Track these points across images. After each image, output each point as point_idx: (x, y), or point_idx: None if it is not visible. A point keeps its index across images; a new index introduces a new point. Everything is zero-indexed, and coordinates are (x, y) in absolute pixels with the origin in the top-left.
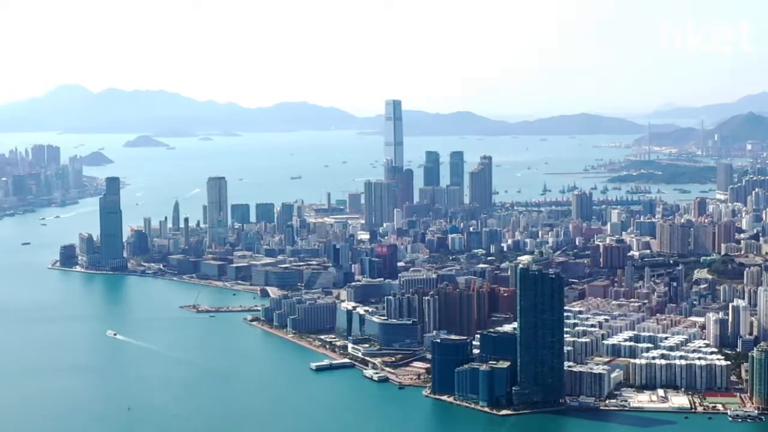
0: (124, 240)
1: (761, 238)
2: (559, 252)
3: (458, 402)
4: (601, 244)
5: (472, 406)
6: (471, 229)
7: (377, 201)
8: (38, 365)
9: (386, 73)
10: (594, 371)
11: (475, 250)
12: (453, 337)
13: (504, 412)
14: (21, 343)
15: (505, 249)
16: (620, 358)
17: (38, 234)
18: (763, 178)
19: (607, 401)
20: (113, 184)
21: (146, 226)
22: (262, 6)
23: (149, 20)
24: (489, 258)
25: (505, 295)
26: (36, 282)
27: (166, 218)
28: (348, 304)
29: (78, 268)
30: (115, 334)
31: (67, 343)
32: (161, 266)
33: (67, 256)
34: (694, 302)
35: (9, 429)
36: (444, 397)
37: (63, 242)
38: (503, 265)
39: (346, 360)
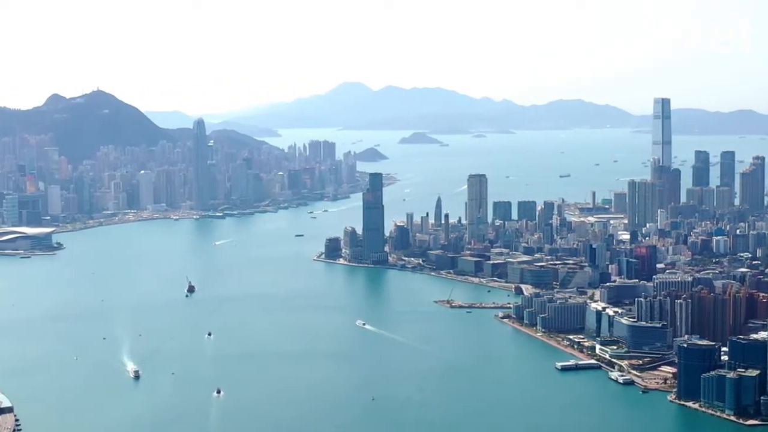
0: (386, 234)
1: None
2: None
3: (703, 409)
4: None
5: (718, 414)
6: (738, 231)
7: (641, 201)
8: (293, 351)
9: (661, 70)
10: None
11: (741, 254)
12: (701, 342)
13: (751, 422)
14: (282, 329)
15: None
16: None
17: (308, 227)
18: None
19: None
20: (376, 180)
21: (409, 222)
22: (541, 3)
23: (428, 19)
24: (754, 262)
25: (765, 301)
26: (302, 272)
27: (427, 214)
28: (598, 305)
29: (341, 261)
30: (363, 324)
31: (321, 330)
32: (420, 261)
33: (332, 249)
34: None
35: (259, 409)
36: (689, 404)
37: (329, 235)
38: None
39: (593, 361)
